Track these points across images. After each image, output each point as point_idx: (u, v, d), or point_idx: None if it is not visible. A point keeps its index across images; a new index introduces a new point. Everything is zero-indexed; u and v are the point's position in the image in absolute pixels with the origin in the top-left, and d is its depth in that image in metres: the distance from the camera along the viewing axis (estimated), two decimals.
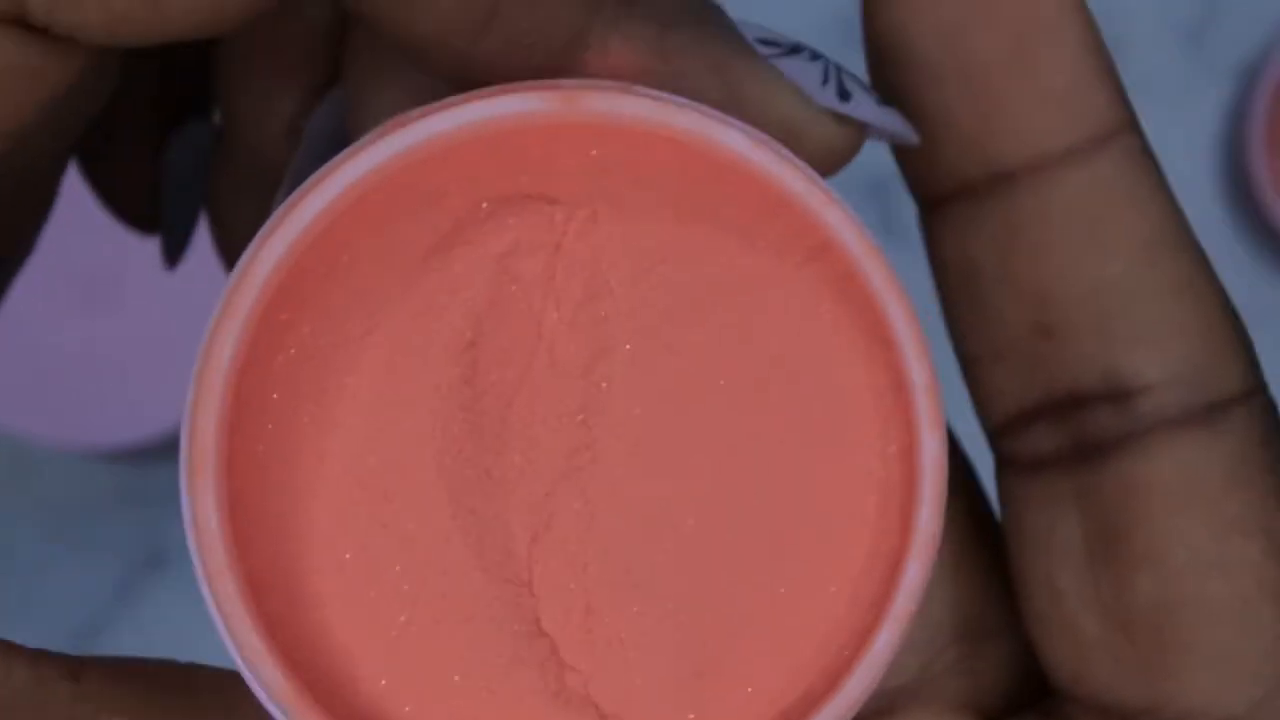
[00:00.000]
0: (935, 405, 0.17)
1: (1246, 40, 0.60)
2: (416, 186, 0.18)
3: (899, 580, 0.17)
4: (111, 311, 0.58)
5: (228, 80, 0.25)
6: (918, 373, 0.17)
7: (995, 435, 0.23)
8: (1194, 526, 0.21)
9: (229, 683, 0.19)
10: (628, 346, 0.18)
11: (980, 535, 0.23)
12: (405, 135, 0.17)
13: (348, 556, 0.18)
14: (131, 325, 0.58)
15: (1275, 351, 0.63)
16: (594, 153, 0.18)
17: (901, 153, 0.22)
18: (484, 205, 0.18)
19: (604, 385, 0.18)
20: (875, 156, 0.24)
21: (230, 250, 0.27)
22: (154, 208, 0.28)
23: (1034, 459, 0.22)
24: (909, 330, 0.17)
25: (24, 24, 0.19)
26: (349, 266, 0.18)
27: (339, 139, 0.22)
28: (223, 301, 0.17)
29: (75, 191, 0.27)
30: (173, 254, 0.28)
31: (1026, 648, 0.23)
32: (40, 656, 0.19)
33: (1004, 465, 0.23)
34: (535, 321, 0.18)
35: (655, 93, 0.17)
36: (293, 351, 0.18)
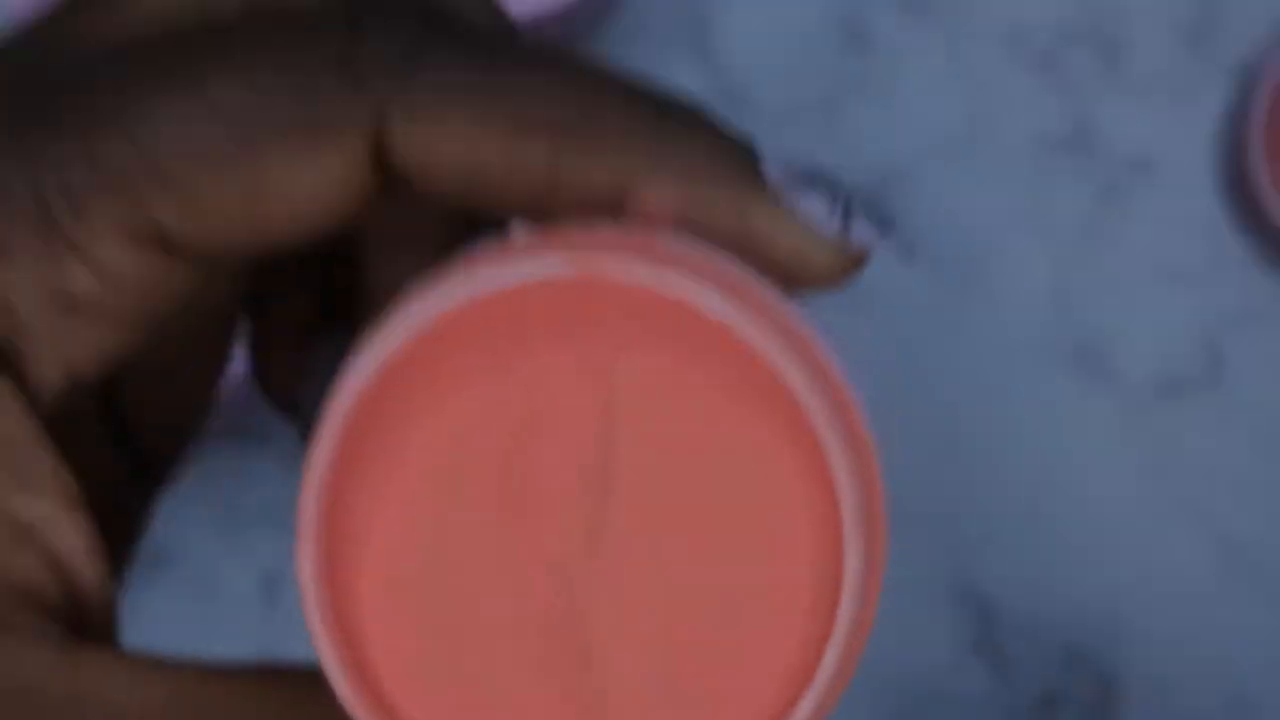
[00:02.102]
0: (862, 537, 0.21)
1: (1246, 40, 0.60)
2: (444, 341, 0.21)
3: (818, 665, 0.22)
4: None
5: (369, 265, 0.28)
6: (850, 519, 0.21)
7: None
8: None
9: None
10: (630, 475, 0.22)
11: None
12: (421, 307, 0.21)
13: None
14: None
15: (1275, 351, 0.63)
16: (607, 309, 0.21)
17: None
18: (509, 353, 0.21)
19: (611, 498, 0.22)
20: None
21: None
22: (297, 394, 0.30)
23: None
24: (849, 482, 0.21)
25: (159, 242, 0.22)
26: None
27: None
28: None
29: None
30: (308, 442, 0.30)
31: None
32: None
33: None
34: (567, 445, 0.22)
35: (671, 246, 0.21)
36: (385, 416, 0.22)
